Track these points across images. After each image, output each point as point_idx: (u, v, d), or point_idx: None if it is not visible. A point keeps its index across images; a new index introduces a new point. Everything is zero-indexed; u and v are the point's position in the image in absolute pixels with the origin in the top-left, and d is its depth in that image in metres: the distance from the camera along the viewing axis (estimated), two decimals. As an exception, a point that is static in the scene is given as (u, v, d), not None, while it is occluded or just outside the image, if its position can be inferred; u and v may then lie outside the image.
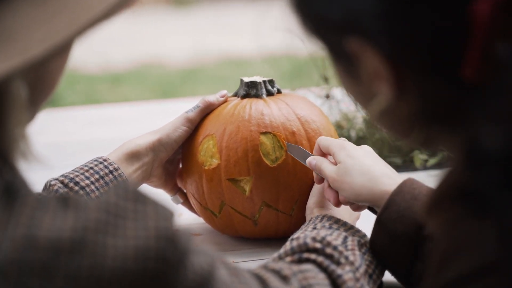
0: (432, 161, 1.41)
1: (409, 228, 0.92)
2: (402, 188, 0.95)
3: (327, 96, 1.50)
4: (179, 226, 0.66)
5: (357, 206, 1.04)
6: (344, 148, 1.04)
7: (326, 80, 1.53)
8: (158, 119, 1.97)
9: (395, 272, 0.96)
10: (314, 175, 1.09)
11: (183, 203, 1.26)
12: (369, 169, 1.00)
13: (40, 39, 0.62)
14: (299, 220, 1.15)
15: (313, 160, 1.08)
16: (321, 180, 1.08)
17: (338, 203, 1.04)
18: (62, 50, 0.63)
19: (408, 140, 0.69)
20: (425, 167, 1.44)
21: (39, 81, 0.70)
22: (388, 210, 0.94)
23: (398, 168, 1.44)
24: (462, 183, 0.60)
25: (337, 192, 1.04)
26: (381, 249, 0.96)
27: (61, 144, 1.75)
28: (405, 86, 0.62)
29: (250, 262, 1.14)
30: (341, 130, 1.49)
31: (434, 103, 0.63)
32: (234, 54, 5.73)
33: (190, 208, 1.26)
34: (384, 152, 1.46)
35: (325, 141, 1.07)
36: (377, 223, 0.95)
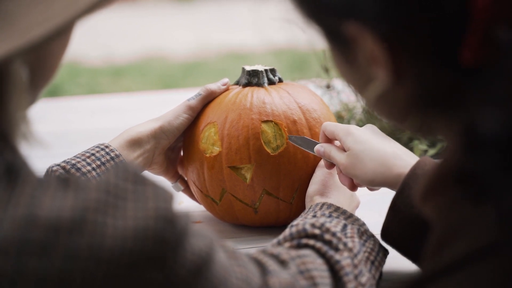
0: (431, 151, 1.41)
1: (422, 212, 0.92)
2: (415, 170, 0.95)
3: (328, 87, 1.51)
4: (177, 208, 0.67)
5: (371, 188, 1.05)
6: (350, 133, 1.04)
7: (327, 70, 1.54)
8: (160, 108, 1.98)
9: (410, 255, 0.97)
10: (324, 161, 1.09)
11: (183, 191, 1.27)
12: (379, 152, 1.00)
13: (40, 20, 0.62)
14: (299, 208, 1.16)
15: (321, 147, 1.08)
16: (332, 165, 1.09)
17: (354, 187, 1.05)
18: (62, 32, 0.64)
19: (404, 126, 0.69)
20: (424, 158, 1.44)
21: (40, 63, 0.70)
22: (402, 195, 0.95)
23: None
24: (459, 167, 0.61)
25: (350, 178, 1.05)
26: (395, 234, 0.96)
27: (63, 132, 1.76)
28: (402, 70, 0.63)
29: (250, 249, 1.14)
30: (341, 120, 1.50)
31: (432, 87, 0.63)
32: (236, 47, 5.73)
33: (191, 195, 1.26)
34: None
35: (330, 126, 1.08)
36: (391, 209, 0.96)
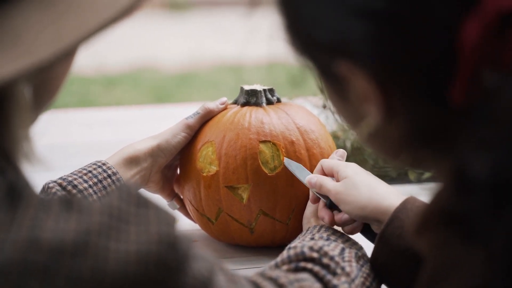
0: (426, 174, 1.41)
1: (411, 245, 0.92)
2: (405, 205, 0.96)
3: (324, 106, 1.51)
4: (180, 232, 0.67)
5: (352, 228, 1.04)
6: (349, 166, 1.05)
7: (322, 90, 1.54)
8: (157, 122, 1.98)
9: (398, 286, 0.97)
10: (311, 194, 1.09)
11: (179, 209, 1.26)
12: (376, 185, 1.01)
13: (48, 42, 0.62)
14: (296, 229, 1.16)
15: (314, 177, 1.08)
16: (317, 199, 1.09)
17: (333, 223, 1.05)
18: (70, 54, 0.64)
19: (397, 161, 0.70)
20: (419, 180, 1.44)
21: (44, 83, 0.70)
22: (392, 225, 0.95)
23: (393, 180, 1.45)
24: (449, 207, 0.61)
25: (332, 212, 1.05)
26: (384, 265, 0.96)
27: (58, 146, 1.75)
28: (394, 109, 0.63)
29: (246, 270, 1.14)
30: (337, 141, 1.50)
31: (422, 126, 0.63)
32: (229, 59, 5.74)
33: (187, 214, 1.26)
34: (379, 163, 1.46)
35: (329, 162, 1.09)
36: (380, 238, 0.95)
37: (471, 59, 0.58)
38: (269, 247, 1.20)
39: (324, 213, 1.06)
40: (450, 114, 0.61)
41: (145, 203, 0.66)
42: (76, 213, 0.63)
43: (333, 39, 0.63)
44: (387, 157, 0.70)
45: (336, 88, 0.67)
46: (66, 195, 0.67)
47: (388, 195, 0.99)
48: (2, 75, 0.61)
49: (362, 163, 1.34)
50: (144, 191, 1.19)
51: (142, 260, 0.62)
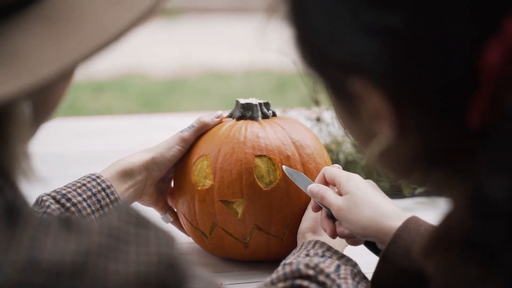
0: (420, 189, 1.41)
1: (414, 264, 0.91)
2: (407, 224, 0.95)
3: (318, 119, 1.50)
4: (180, 252, 0.66)
5: (354, 240, 1.04)
6: (352, 179, 1.03)
7: (316, 102, 1.54)
8: (145, 132, 1.98)
9: None
10: (312, 202, 1.08)
11: (173, 222, 1.26)
12: (378, 204, 0.99)
13: (50, 60, 0.61)
14: (290, 244, 1.15)
15: (315, 187, 1.06)
16: (318, 208, 1.07)
17: (334, 235, 1.04)
18: (72, 71, 0.63)
19: (408, 180, 0.69)
20: (413, 194, 1.44)
21: (43, 100, 0.69)
22: (395, 245, 0.94)
23: (386, 193, 1.44)
24: (464, 231, 0.60)
25: (334, 224, 1.04)
26: (385, 285, 0.95)
27: (50, 155, 1.74)
28: (407, 128, 0.62)
29: (239, 285, 1.13)
30: (331, 154, 1.50)
31: (436, 147, 0.62)
32: (218, 67, 5.73)
33: (180, 227, 1.25)
34: (372, 177, 1.46)
35: (332, 170, 1.07)
36: (383, 258, 0.94)
37: (493, 81, 0.57)
38: (263, 261, 1.19)
39: (326, 225, 1.04)
40: (467, 136, 0.60)
41: (145, 223, 0.65)
42: (75, 234, 0.62)
43: (347, 57, 0.62)
44: (398, 176, 0.69)
45: (347, 105, 0.66)
46: (65, 215, 0.66)
47: (390, 215, 0.98)
48: (2, 93, 0.60)
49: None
50: (141, 208, 1.18)
51: (142, 282, 0.61)
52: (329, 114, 1.55)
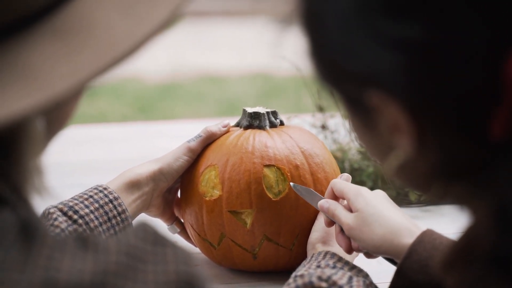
0: (426, 197, 1.40)
1: (430, 279, 0.90)
2: (422, 238, 0.93)
3: (323, 127, 1.49)
4: (198, 270, 0.65)
5: (371, 255, 1.02)
6: (361, 194, 1.01)
7: (321, 109, 1.53)
8: (146, 140, 1.97)
9: None
10: (324, 217, 1.07)
11: (179, 233, 1.24)
12: (389, 220, 0.97)
13: (63, 76, 0.60)
14: (299, 255, 1.14)
15: (325, 203, 1.05)
16: (331, 223, 1.06)
17: (350, 250, 1.02)
18: (86, 86, 0.61)
19: (428, 194, 0.68)
20: (419, 202, 1.43)
21: (56, 115, 0.68)
22: (410, 259, 0.92)
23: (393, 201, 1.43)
24: (488, 244, 0.59)
25: (349, 239, 1.02)
26: None
27: (52, 164, 1.72)
28: (427, 141, 0.61)
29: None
30: (336, 161, 1.49)
31: (456, 159, 0.61)
32: (211, 70, 5.72)
33: (187, 238, 1.24)
34: (378, 184, 1.45)
35: (340, 184, 1.05)
36: (398, 273, 0.93)
37: None
38: (272, 272, 1.18)
39: (341, 241, 1.02)
40: (489, 148, 0.59)
41: (162, 241, 0.64)
42: (92, 252, 0.61)
43: (364, 69, 0.61)
44: (417, 190, 0.68)
45: (364, 119, 0.65)
46: (81, 233, 0.64)
47: (403, 231, 0.96)
48: (16, 111, 0.58)
49: (361, 185, 1.32)
50: (155, 223, 1.17)
51: None
52: (334, 121, 1.54)
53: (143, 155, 1.79)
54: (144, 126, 2.31)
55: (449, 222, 1.07)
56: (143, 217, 1.18)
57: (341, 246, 1.03)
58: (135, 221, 0.62)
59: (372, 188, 1.40)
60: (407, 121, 0.60)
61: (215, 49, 6.43)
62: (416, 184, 0.68)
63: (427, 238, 0.93)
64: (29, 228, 0.61)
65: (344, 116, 1.49)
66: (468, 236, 0.63)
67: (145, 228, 0.65)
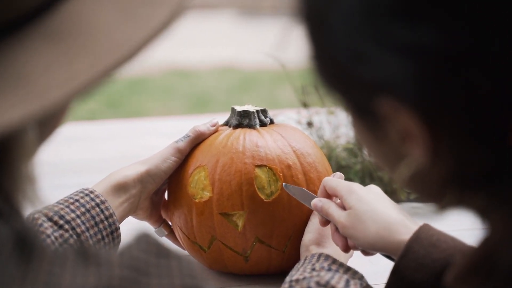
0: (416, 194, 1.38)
1: (428, 277, 0.88)
2: (419, 234, 0.91)
3: (309, 124, 1.46)
4: (203, 282, 0.62)
5: (367, 252, 1.00)
6: (353, 191, 0.98)
7: (305, 106, 1.50)
8: (125, 139, 1.93)
9: None
10: (319, 217, 1.04)
11: (167, 236, 1.20)
12: (383, 216, 0.94)
13: (59, 83, 0.56)
14: (292, 257, 1.11)
15: (319, 202, 1.02)
16: (326, 222, 1.03)
17: (347, 249, 0.99)
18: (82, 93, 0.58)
19: (441, 204, 0.65)
20: (408, 199, 1.41)
21: (49, 121, 0.64)
22: (406, 258, 0.89)
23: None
24: (508, 257, 0.57)
25: (345, 237, 0.99)
26: None
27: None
28: (441, 149, 0.58)
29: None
30: (322, 159, 1.46)
31: (472, 168, 0.58)
32: (180, 65, 5.68)
33: (175, 241, 1.20)
34: (365, 182, 1.43)
35: (332, 182, 1.02)
36: (394, 272, 0.90)
37: None
38: (264, 275, 1.15)
39: (338, 239, 1.00)
40: (506, 156, 0.57)
41: (166, 253, 0.61)
42: (94, 267, 0.57)
43: (374, 76, 0.57)
44: (429, 200, 0.65)
45: (372, 127, 0.62)
46: (81, 246, 0.61)
47: (398, 227, 0.93)
48: (10, 120, 0.54)
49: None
50: (163, 240, 1.13)
51: None
52: (319, 118, 1.51)
53: (124, 154, 1.76)
54: (120, 123, 2.26)
55: (440, 220, 1.05)
56: (143, 227, 1.14)
57: (337, 245, 1.00)
58: (136, 232, 0.59)
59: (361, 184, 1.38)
60: (419, 129, 0.57)
61: (182, 43, 6.38)
62: (429, 193, 0.65)
63: (423, 234, 0.90)
64: (25, 241, 0.58)
65: (329, 112, 1.47)
66: (485, 248, 0.60)
67: (148, 239, 0.61)
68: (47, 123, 0.64)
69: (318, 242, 1.07)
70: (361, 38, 0.58)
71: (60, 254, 0.58)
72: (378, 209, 0.96)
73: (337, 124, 1.50)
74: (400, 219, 0.95)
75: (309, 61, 0.63)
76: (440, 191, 0.62)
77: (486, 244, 0.60)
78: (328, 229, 1.08)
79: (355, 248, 0.99)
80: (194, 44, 6.25)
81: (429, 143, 0.58)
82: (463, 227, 1.08)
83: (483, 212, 0.62)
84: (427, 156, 0.59)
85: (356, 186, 1.00)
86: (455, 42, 0.55)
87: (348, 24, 0.58)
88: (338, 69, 0.60)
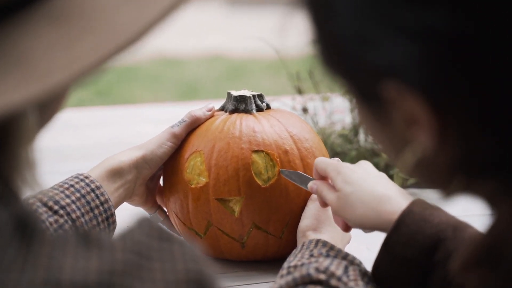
0: (411, 180, 1.37)
1: (419, 253, 0.87)
2: (411, 208, 0.89)
3: (304, 110, 1.45)
4: (206, 267, 0.61)
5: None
6: (340, 172, 0.97)
7: (300, 92, 1.48)
8: (116, 125, 1.91)
9: None
10: (319, 198, 1.03)
11: (162, 222, 1.19)
12: (369, 196, 0.93)
13: (61, 65, 0.55)
14: (289, 243, 1.10)
15: (314, 185, 1.01)
16: (326, 204, 1.02)
17: (347, 228, 0.99)
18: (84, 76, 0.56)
19: (447, 191, 0.63)
20: (404, 186, 1.40)
21: (49, 104, 0.63)
22: (397, 232, 0.88)
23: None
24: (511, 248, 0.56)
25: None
26: (387, 274, 0.90)
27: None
28: (448, 135, 0.57)
29: (236, 287, 1.08)
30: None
31: (480, 154, 0.57)
32: (169, 53, 5.65)
33: (171, 227, 1.19)
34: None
35: (322, 163, 1.01)
36: (385, 246, 0.89)
37: None
38: (260, 261, 1.14)
39: (337, 219, 0.99)
40: None
41: (168, 237, 0.60)
42: (96, 250, 0.56)
43: (380, 60, 0.56)
44: (434, 187, 0.64)
45: (377, 112, 0.61)
46: (82, 229, 0.60)
47: (385, 206, 0.91)
48: (11, 102, 0.53)
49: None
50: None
51: None
52: (313, 104, 1.50)
53: (115, 141, 1.75)
54: (110, 110, 2.24)
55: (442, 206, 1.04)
56: (139, 212, 1.13)
57: (338, 225, 0.99)
58: (137, 216, 0.58)
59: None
60: (426, 114, 0.56)
61: (171, 31, 6.35)
62: (434, 180, 0.64)
63: (417, 208, 0.89)
64: (26, 225, 0.57)
65: (324, 99, 1.46)
66: (493, 235, 0.59)
67: (149, 223, 0.60)
68: (47, 107, 0.63)
69: (315, 228, 1.06)
70: (366, 21, 0.57)
71: (61, 237, 0.57)
72: (364, 188, 0.94)
73: (332, 111, 1.49)
74: (387, 196, 0.93)
75: (312, 45, 0.62)
76: (446, 177, 0.61)
77: (492, 232, 0.59)
78: (325, 215, 1.07)
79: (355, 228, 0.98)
80: (183, 33, 6.23)
81: (435, 128, 0.57)
82: (467, 213, 1.07)
83: (491, 200, 0.61)
84: (433, 142, 0.58)
85: (343, 166, 0.99)
86: (462, 25, 0.53)
87: (353, 7, 0.57)
88: (343, 53, 0.59)
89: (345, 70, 0.61)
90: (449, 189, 0.62)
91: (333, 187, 0.99)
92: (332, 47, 0.60)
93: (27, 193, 0.60)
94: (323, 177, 1.03)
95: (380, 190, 0.94)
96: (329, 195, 0.98)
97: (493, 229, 0.59)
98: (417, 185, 1.38)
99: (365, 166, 1.00)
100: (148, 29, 0.57)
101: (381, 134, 0.63)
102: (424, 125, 0.57)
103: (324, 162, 1.02)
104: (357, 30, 0.57)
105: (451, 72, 0.55)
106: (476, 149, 0.57)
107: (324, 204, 1.02)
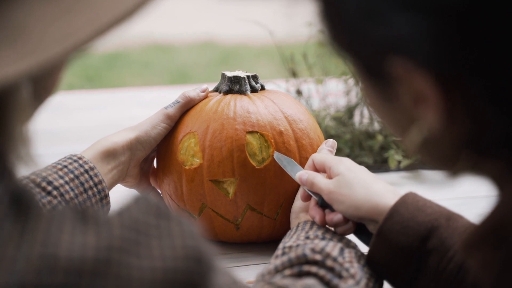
0: (405, 162, 1.37)
1: (413, 240, 0.87)
2: (405, 199, 0.90)
3: (298, 92, 1.44)
4: (204, 244, 0.60)
5: (344, 229, 0.97)
6: (342, 162, 0.98)
7: (294, 75, 1.48)
8: (106, 108, 1.90)
9: (395, 285, 0.92)
10: (301, 191, 1.03)
11: (156, 204, 1.18)
12: (371, 183, 0.94)
13: (57, 38, 0.54)
14: (283, 225, 1.10)
15: (304, 174, 1.00)
16: (308, 197, 1.02)
17: (323, 223, 0.98)
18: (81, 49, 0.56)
19: (453, 170, 0.63)
20: (398, 168, 1.40)
21: (45, 77, 0.62)
22: (391, 220, 0.88)
23: (369, 168, 1.40)
24: None
25: (323, 211, 0.98)
26: (382, 262, 0.90)
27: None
28: (456, 113, 0.57)
29: (231, 268, 1.07)
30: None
31: (488, 133, 0.57)
32: (159, 39, 5.62)
33: (164, 209, 1.18)
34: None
35: (321, 157, 1.02)
36: (379, 234, 0.89)
37: None
38: (254, 243, 1.13)
39: (315, 212, 0.98)
40: None
41: (166, 214, 0.60)
42: (93, 226, 0.56)
43: (387, 36, 0.56)
44: (440, 166, 0.63)
45: (383, 89, 0.60)
46: (79, 206, 0.59)
47: (385, 194, 0.92)
48: (5, 75, 0.53)
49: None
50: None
51: (169, 278, 0.55)
52: (307, 87, 1.49)
53: (106, 123, 1.74)
54: (100, 94, 2.23)
55: (429, 189, 1.04)
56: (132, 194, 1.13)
57: (314, 218, 0.98)
58: (133, 194, 0.58)
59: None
60: (433, 91, 0.56)
61: (160, 16, 6.32)
62: (440, 159, 0.63)
63: (410, 199, 0.90)
64: (21, 201, 0.57)
65: (318, 82, 1.45)
66: (497, 215, 0.59)
67: (147, 201, 0.60)
68: (42, 83, 0.62)
69: (308, 209, 1.06)
70: None
71: (57, 213, 0.57)
72: (366, 177, 0.95)
73: (325, 93, 1.48)
74: (387, 188, 0.94)
75: (318, 21, 0.61)
76: (453, 156, 0.60)
77: (498, 211, 0.59)
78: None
79: (332, 223, 0.97)
80: (173, 18, 6.20)
81: (443, 106, 0.56)
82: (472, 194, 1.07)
83: (497, 180, 0.60)
84: (441, 119, 0.57)
85: (345, 159, 1.00)
86: (479, 3, 0.53)
87: None
88: (349, 29, 0.59)
89: (352, 47, 0.60)
90: (455, 168, 0.62)
91: (328, 178, 0.98)
92: (340, 23, 0.60)
93: (21, 170, 0.60)
94: (316, 171, 1.02)
95: (382, 183, 0.95)
96: (323, 181, 0.98)
97: (499, 208, 0.59)
98: (411, 168, 1.38)
99: (364, 167, 1.00)
100: (141, 4, 0.57)
101: (388, 112, 0.63)
102: (431, 103, 0.57)
103: (324, 155, 1.02)
104: (364, 5, 0.57)
105: (459, 49, 0.54)
106: (484, 127, 0.57)
107: (306, 197, 1.02)
